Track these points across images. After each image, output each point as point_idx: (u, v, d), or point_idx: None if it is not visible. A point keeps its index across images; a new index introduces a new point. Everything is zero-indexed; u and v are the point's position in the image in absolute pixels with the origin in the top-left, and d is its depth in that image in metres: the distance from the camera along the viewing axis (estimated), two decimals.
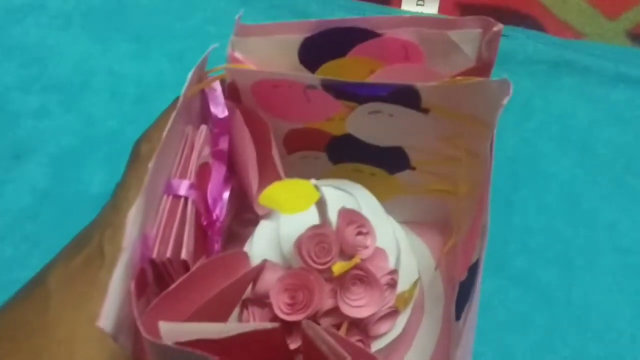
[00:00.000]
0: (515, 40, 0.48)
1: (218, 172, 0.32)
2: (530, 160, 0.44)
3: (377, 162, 0.36)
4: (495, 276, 0.39)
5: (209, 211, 0.31)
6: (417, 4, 0.52)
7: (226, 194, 0.33)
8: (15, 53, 0.49)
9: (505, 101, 0.27)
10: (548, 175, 0.43)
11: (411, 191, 0.37)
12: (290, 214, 0.25)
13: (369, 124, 0.33)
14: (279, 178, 0.33)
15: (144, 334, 0.21)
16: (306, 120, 0.34)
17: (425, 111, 0.31)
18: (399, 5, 0.52)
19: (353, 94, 0.30)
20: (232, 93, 0.32)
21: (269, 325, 0.23)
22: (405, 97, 0.30)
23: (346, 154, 0.36)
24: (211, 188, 0.32)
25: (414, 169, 0.35)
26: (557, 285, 0.39)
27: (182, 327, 0.23)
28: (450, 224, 0.36)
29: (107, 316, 0.22)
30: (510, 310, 0.38)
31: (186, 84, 0.29)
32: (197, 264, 0.28)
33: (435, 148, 0.33)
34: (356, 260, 0.29)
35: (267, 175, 0.33)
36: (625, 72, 0.46)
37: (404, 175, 0.36)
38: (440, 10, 0.51)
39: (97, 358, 0.26)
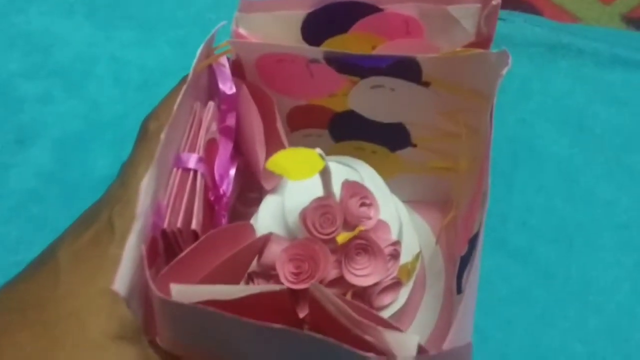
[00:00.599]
0: (513, 24, 0.48)
1: (225, 149, 0.33)
2: (528, 141, 0.45)
3: (379, 139, 0.36)
4: (496, 253, 0.40)
5: (216, 186, 0.32)
6: None
7: (232, 170, 0.34)
8: (19, 41, 0.49)
9: (504, 71, 0.27)
10: (546, 154, 0.44)
11: (412, 169, 0.37)
12: (296, 180, 0.26)
13: (371, 99, 0.33)
14: (281, 144, 0.34)
15: (157, 293, 0.22)
16: (309, 97, 0.34)
17: (426, 84, 0.32)
18: None
19: (355, 66, 0.31)
20: (236, 70, 0.33)
21: (276, 287, 0.24)
22: (406, 69, 0.31)
23: (348, 132, 0.36)
24: (218, 164, 0.32)
25: (415, 146, 0.36)
26: (556, 261, 0.39)
27: (193, 288, 0.23)
28: (450, 203, 0.37)
29: (120, 280, 0.23)
30: (510, 285, 0.39)
31: (195, 60, 0.29)
32: (205, 235, 0.29)
33: (436, 124, 0.34)
34: (360, 228, 0.30)
35: (273, 150, 0.33)
36: (620, 54, 0.47)
37: (405, 153, 0.37)
38: None
39: (107, 329, 0.26)
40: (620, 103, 0.46)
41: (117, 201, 0.29)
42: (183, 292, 0.23)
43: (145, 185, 0.25)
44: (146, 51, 0.49)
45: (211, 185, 0.32)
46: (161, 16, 0.51)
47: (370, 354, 0.20)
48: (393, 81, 0.32)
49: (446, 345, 0.21)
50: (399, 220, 0.33)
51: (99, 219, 0.29)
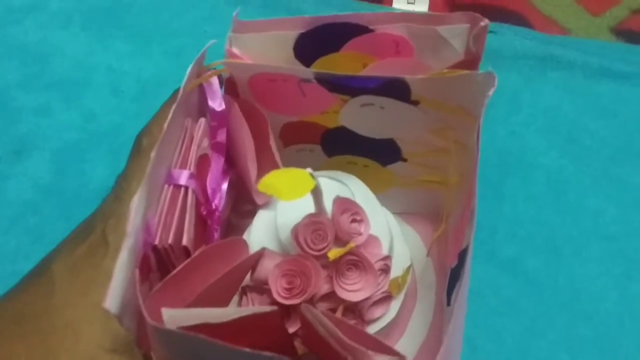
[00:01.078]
0: (503, 37, 0.49)
1: (217, 164, 0.33)
2: (518, 152, 0.45)
3: (370, 154, 0.37)
4: (486, 264, 0.40)
5: (208, 201, 0.33)
6: (407, 3, 0.53)
7: (225, 185, 0.34)
8: (16, 52, 0.50)
9: (490, 92, 0.28)
10: (536, 165, 0.45)
11: (403, 183, 0.38)
12: (288, 200, 0.26)
13: (362, 117, 0.34)
14: (277, 168, 0.34)
15: (148, 319, 0.22)
16: (301, 114, 0.35)
17: (415, 103, 0.32)
18: (390, 4, 0.53)
19: (346, 86, 0.32)
20: (230, 88, 0.34)
21: (267, 308, 0.25)
22: (396, 89, 0.31)
23: (340, 147, 0.37)
24: (210, 179, 0.33)
25: (405, 160, 0.37)
26: (544, 271, 0.40)
27: (184, 312, 0.24)
28: (441, 215, 0.38)
29: (112, 298, 0.23)
30: (500, 296, 0.39)
31: (185, 79, 0.30)
32: (198, 251, 0.30)
33: (426, 140, 0.35)
34: (351, 245, 0.31)
35: (266, 166, 0.34)
36: (609, 66, 0.48)
37: (396, 167, 0.37)
38: (430, 8, 0.53)
39: (101, 340, 0.26)
40: (609, 115, 0.47)
41: (111, 215, 0.30)
42: (174, 316, 0.23)
43: (136, 204, 0.25)
44: (142, 62, 0.50)
45: (203, 201, 0.32)
46: (157, 27, 0.51)
47: None
48: (383, 100, 0.32)
49: None
50: (389, 234, 0.34)
51: (94, 233, 0.29)
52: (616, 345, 0.37)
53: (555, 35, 0.51)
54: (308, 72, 0.32)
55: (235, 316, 0.23)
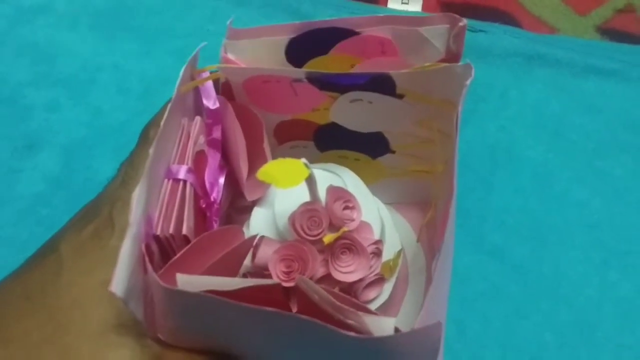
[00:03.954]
0: (493, 36, 0.51)
1: (213, 159, 0.35)
2: (507, 146, 0.47)
3: (360, 147, 0.39)
4: (474, 251, 0.42)
5: (206, 194, 0.34)
6: (402, 3, 0.55)
7: (222, 179, 0.36)
8: (26, 51, 0.52)
9: (468, 82, 0.30)
10: (523, 159, 0.47)
11: (393, 174, 0.40)
12: (285, 187, 0.28)
13: (351, 112, 0.36)
14: (265, 159, 0.36)
15: (162, 284, 0.24)
16: (294, 112, 0.37)
17: (400, 97, 0.34)
18: (385, 4, 0.55)
19: (335, 84, 0.34)
20: (226, 91, 0.35)
21: (270, 281, 0.27)
22: (382, 84, 0.33)
23: (332, 142, 0.39)
24: (208, 173, 0.34)
25: (394, 152, 0.39)
26: (530, 258, 0.42)
27: (196, 278, 0.25)
28: (429, 203, 0.39)
29: (118, 282, 0.24)
30: (487, 281, 0.41)
31: (179, 80, 0.31)
32: (197, 238, 0.31)
33: (412, 131, 0.36)
34: (344, 229, 0.33)
35: (259, 166, 0.36)
36: (594, 64, 0.50)
37: (385, 159, 0.39)
38: (423, 8, 0.55)
39: (108, 318, 0.27)
40: (594, 110, 0.49)
41: (118, 199, 0.31)
42: (188, 281, 0.25)
43: (137, 196, 0.26)
44: (147, 61, 0.52)
45: (202, 194, 0.34)
46: (161, 28, 0.53)
47: (351, 333, 0.22)
48: (370, 95, 0.34)
49: (417, 324, 0.23)
50: (380, 220, 0.36)
51: (100, 215, 0.30)
52: (595, 328, 0.39)
53: (543, 34, 0.53)
54: (300, 73, 0.33)
55: (241, 285, 0.24)
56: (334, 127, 0.37)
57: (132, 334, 0.27)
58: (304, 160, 0.30)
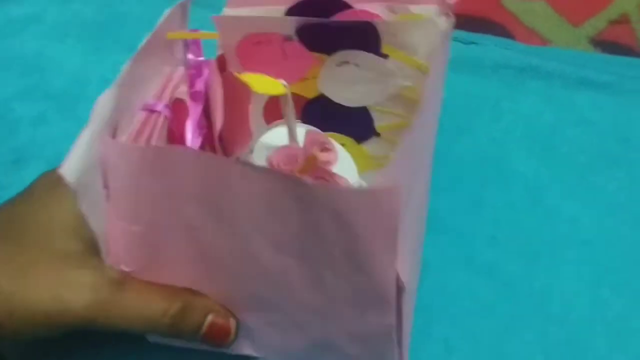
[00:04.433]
0: (485, 47, 0.51)
1: (195, 110, 0.36)
2: (498, 159, 0.47)
3: (347, 128, 0.40)
4: (465, 268, 0.42)
5: (182, 141, 0.35)
6: None
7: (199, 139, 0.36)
8: (14, 64, 0.52)
9: (449, 35, 0.32)
10: (515, 173, 0.46)
11: (377, 164, 0.41)
12: (258, 92, 0.31)
13: (338, 80, 0.37)
14: (250, 137, 0.38)
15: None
16: (284, 80, 0.38)
17: (385, 56, 0.36)
18: None
19: (324, 39, 0.35)
20: (220, 65, 0.36)
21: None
22: (366, 37, 0.35)
23: (319, 122, 0.39)
24: (189, 123, 0.35)
25: (378, 135, 0.40)
26: (521, 275, 0.42)
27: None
28: None
29: (69, 166, 0.25)
30: (477, 298, 0.41)
31: (166, 14, 0.33)
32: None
33: (395, 107, 0.38)
34: (315, 155, 0.34)
35: (241, 133, 0.37)
36: (587, 76, 0.50)
37: (370, 145, 0.40)
38: None
39: (73, 245, 0.28)
40: (586, 123, 0.48)
41: None
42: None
43: (103, 100, 0.28)
44: None
45: (176, 139, 0.34)
46: None
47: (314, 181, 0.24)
48: (357, 56, 0.36)
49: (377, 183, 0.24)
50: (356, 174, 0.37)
51: None
52: (586, 347, 0.39)
53: (535, 46, 0.52)
54: (292, 22, 0.35)
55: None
56: (321, 102, 0.38)
57: (95, 259, 0.29)
58: (283, 81, 0.32)
